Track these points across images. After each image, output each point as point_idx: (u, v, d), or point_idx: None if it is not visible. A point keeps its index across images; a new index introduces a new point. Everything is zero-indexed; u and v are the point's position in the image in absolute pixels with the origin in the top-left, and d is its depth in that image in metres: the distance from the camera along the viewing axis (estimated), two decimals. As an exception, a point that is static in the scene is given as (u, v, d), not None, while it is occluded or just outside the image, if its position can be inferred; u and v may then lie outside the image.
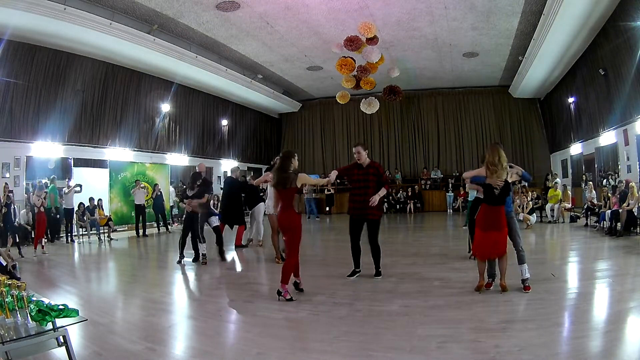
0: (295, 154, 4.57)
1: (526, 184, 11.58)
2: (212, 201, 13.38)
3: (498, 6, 10.03)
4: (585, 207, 10.37)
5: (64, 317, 2.30)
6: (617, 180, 9.65)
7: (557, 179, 13.29)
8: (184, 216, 6.91)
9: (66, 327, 2.27)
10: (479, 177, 4.38)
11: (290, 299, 4.20)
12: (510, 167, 4.36)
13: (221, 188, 14.60)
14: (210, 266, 6.47)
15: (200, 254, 6.61)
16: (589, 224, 9.86)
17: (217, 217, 7.29)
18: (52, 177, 10.27)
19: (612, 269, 5.39)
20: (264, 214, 7.71)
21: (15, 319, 2.27)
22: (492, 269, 4.43)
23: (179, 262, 6.66)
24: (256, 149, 19.60)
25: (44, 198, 8.88)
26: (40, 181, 10.07)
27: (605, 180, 11.11)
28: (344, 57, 8.83)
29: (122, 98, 12.44)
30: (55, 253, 8.37)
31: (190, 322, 3.85)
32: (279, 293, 4.26)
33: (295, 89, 18.13)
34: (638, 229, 7.96)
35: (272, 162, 6.64)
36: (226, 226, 8.82)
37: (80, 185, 10.50)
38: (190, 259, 6.77)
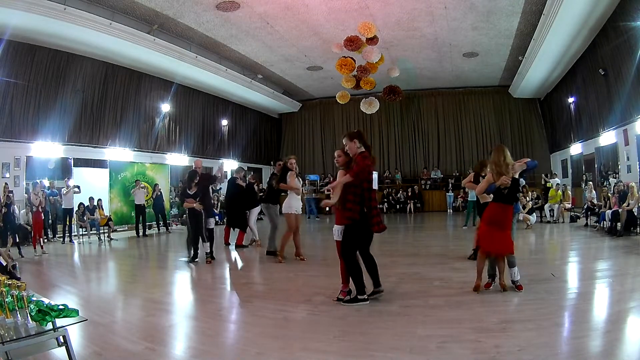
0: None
1: (526, 184, 11.59)
2: (212, 201, 13.52)
3: (498, 6, 10.02)
4: (585, 207, 10.38)
5: (64, 317, 2.29)
6: (615, 182, 9.63)
7: (557, 180, 13.28)
8: (188, 215, 6.85)
9: (66, 327, 2.26)
10: (490, 187, 4.31)
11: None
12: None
13: (220, 188, 14.59)
14: (210, 266, 6.46)
15: (205, 253, 6.63)
16: (589, 224, 9.86)
17: (213, 218, 7.25)
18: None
19: (612, 269, 5.39)
20: (280, 214, 7.16)
21: (15, 319, 2.26)
22: (492, 269, 4.44)
23: (191, 261, 6.64)
24: (256, 149, 19.59)
25: (42, 197, 8.88)
26: (40, 181, 10.08)
27: (605, 181, 11.12)
28: (344, 57, 8.82)
29: (122, 98, 12.44)
30: (55, 253, 8.37)
31: (190, 322, 3.85)
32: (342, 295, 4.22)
33: (295, 89, 18.12)
34: (638, 229, 7.96)
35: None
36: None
37: (79, 187, 10.49)
38: (192, 259, 6.77)
